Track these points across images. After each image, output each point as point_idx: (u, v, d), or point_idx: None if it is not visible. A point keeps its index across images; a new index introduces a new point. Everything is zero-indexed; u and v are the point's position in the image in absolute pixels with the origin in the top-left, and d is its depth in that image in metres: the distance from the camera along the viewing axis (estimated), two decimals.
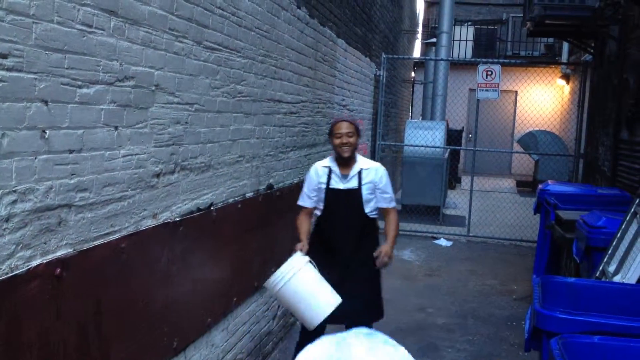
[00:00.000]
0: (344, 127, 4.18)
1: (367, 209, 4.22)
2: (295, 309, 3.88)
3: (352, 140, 4.18)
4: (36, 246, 2.15)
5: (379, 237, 4.36)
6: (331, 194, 4.22)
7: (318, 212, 4.30)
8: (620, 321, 2.86)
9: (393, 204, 4.37)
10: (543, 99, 17.45)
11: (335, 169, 4.24)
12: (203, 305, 3.61)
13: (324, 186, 4.22)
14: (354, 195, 4.19)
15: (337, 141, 4.17)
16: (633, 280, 3.71)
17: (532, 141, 14.94)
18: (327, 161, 4.33)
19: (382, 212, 4.34)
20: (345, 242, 4.19)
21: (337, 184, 4.22)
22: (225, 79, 3.76)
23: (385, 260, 4.16)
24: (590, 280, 3.89)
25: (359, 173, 4.22)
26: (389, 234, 4.31)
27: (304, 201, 4.33)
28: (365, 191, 4.20)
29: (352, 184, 4.20)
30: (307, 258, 3.92)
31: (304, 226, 4.29)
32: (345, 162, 4.22)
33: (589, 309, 3.17)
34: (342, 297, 3.90)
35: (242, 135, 4.10)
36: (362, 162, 4.31)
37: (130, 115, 2.72)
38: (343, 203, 4.20)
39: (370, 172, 4.26)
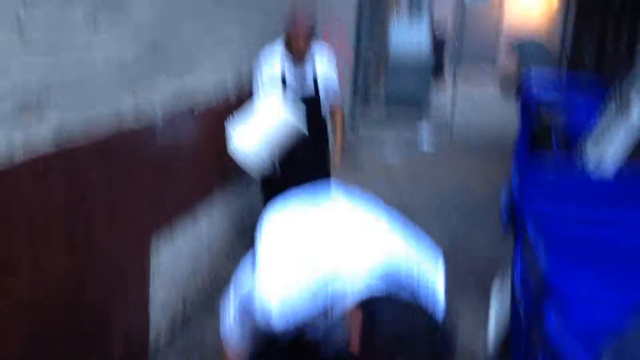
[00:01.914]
0: (301, 31, 3.90)
1: (323, 111, 4.11)
2: (276, 142, 3.75)
3: (307, 46, 3.92)
4: (18, 129, 2.13)
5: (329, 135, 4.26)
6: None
7: None
8: (596, 210, 2.93)
9: (339, 100, 4.24)
10: (531, 6, 17.21)
11: (289, 61, 3.99)
12: (187, 192, 3.66)
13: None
14: (314, 104, 4.03)
15: (294, 43, 3.90)
16: (609, 164, 3.78)
17: (518, 50, 14.84)
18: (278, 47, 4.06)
19: (329, 110, 4.20)
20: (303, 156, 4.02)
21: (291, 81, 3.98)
22: None
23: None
24: (568, 174, 3.90)
25: (314, 68, 4.01)
26: (338, 142, 4.25)
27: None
28: (322, 93, 4.06)
29: (309, 89, 4.00)
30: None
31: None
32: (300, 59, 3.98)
33: (567, 201, 3.22)
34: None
35: (226, 40, 4.02)
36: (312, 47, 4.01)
37: (110, 16, 2.63)
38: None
39: (321, 61, 4.05)
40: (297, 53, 3.92)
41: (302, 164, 4.02)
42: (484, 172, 8.12)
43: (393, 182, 7.37)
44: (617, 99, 3.98)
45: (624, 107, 3.81)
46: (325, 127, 4.22)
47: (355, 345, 1.44)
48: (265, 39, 4.67)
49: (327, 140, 4.25)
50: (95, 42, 2.55)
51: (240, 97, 4.38)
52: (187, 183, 3.64)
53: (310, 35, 3.97)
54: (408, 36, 10.99)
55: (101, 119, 2.63)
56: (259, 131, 3.68)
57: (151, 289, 3.26)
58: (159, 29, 3.13)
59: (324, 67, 4.08)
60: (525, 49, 14.72)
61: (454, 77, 10.59)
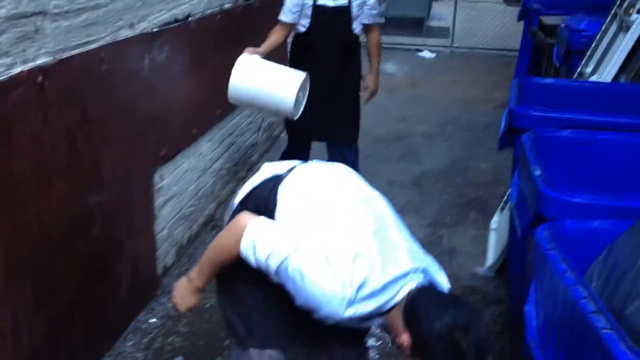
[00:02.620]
0: None
1: (355, 27, 4.02)
2: (268, 104, 3.60)
3: None
4: (15, 54, 2.14)
5: (360, 54, 4.23)
6: (318, 11, 3.91)
7: (301, 28, 4.02)
8: (591, 116, 2.97)
9: (378, 20, 4.17)
10: None
11: None
12: (188, 116, 3.68)
13: (310, 1, 3.91)
14: (344, 14, 3.95)
15: None
16: (608, 80, 3.79)
17: None
18: None
19: (365, 30, 4.15)
20: (330, 61, 4.00)
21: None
22: None
23: (372, 93, 4.22)
24: (566, 80, 3.97)
25: None
26: (373, 61, 4.23)
27: (286, 15, 3.97)
28: (354, 9, 3.95)
29: (342, 0, 3.92)
30: (255, 56, 3.65)
31: (272, 39, 3.95)
32: None
33: (563, 106, 3.28)
34: (325, 116, 3.94)
35: None
36: None
37: None
38: (330, 22, 3.96)
39: None
40: None
41: (329, 89, 3.99)
42: (485, 83, 8.07)
43: (393, 94, 7.36)
44: (618, 16, 3.94)
45: (624, 25, 3.78)
46: (356, 44, 4.14)
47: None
48: None
49: (357, 60, 4.17)
50: None
51: (240, 11, 4.33)
52: (189, 102, 3.66)
53: None
54: None
55: (98, 37, 2.64)
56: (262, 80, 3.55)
57: (155, 209, 3.35)
58: None
59: None
60: None
61: None
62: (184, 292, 1.99)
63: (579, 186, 2.55)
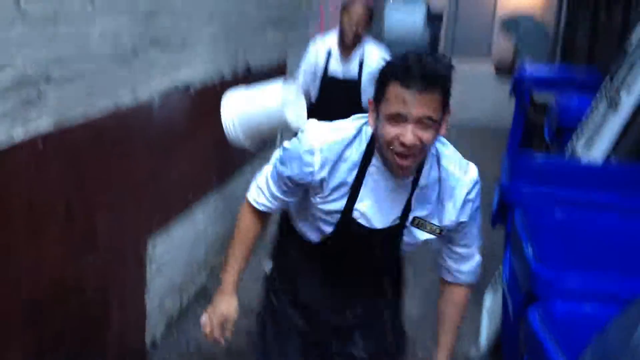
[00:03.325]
0: (358, 14, 3.65)
1: (363, 101, 3.84)
2: (262, 128, 3.38)
3: (361, 29, 3.68)
4: (16, 119, 2.17)
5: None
6: (328, 81, 3.82)
7: (312, 99, 3.90)
8: (584, 194, 3.00)
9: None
10: None
11: (336, 52, 3.85)
12: (183, 183, 3.70)
13: (320, 72, 3.84)
14: (353, 90, 3.78)
15: (347, 24, 3.71)
16: (599, 158, 3.85)
17: (513, 26, 14.79)
18: (331, 40, 3.85)
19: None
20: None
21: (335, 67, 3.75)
22: None
23: None
24: (557, 157, 4.03)
25: (362, 54, 3.78)
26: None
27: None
28: (366, 82, 3.76)
29: (352, 73, 3.73)
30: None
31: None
32: (349, 47, 3.81)
33: (554, 183, 3.32)
34: None
35: (220, 13, 4.04)
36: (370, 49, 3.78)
37: None
38: (340, 93, 3.80)
39: (372, 52, 3.78)
40: (349, 35, 3.72)
41: None
42: (478, 157, 8.14)
43: None
44: (607, 95, 4.04)
45: (613, 103, 3.87)
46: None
47: None
48: (266, 30, 4.69)
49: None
50: (90, 15, 2.58)
51: (240, 81, 4.40)
52: (185, 171, 3.68)
53: (368, 18, 3.73)
54: (403, 17, 10.99)
55: (99, 103, 2.68)
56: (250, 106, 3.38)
57: (148, 279, 3.32)
58: (155, 3, 3.15)
59: (376, 57, 3.82)
60: (520, 25, 14.67)
61: (450, 54, 10.57)
62: (217, 304, 2.01)
63: (570, 264, 2.55)
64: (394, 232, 1.82)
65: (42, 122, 2.30)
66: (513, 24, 14.86)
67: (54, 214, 2.41)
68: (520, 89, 6.57)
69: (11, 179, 2.16)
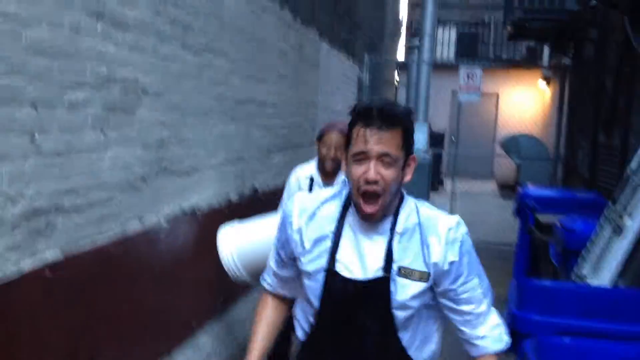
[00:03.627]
0: (334, 140, 3.64)
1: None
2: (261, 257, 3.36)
3: (340, 152, 3.58)
4: (26, 249, 2.18)
5: None
6: None
7: None
8: (592, 323, 2.95)
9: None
10: (525, 102, 17.63)
11: (318, 178, 3.82)
12: (188, 308, 3.65)
13: None
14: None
15: (324, 151, 3.72)
16: (607, 283, 3.81)
17: (514, 145, 15.10)
18: (311, 168, 3.86)
19: None
20: None
21: None
22: (210, 81, 3.80)
23: None
24: (565, 283, 3.99)
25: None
26: None
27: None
28: None
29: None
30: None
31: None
32: (329, 173, 3.79)
33: (564, 311, 3.27)
34: None
35: (227, 138, 4.15)
36: None
37: (117, 118, 2.76)
38: None
39: None
40: (327, 162, 3.72)
41: None
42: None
43: None
44: (611, 220, 4.05)
45: (618, 228, 3.88)
46: None
47: None
48: (271, 154, 4.79)
49: None
50: (102, 146, 2.64)
51: (243, 209, 4.45)
52: (189, 296, 3.65)
53: (344, 142, 3.67)
54: None
55: (107, 230, 2.69)
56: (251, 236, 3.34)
57: None
58: (165, 132, 3.23)
59: None
60: (520, 143, 14.96)
61: (452, 178, 10.73)
62: None
63: None
64: (382, 287, 1.75)
65: (50, 253, 2.30)
66: (512, 142, 15.18)
67: (59, 343, 2.37)
68: (524, 210, 6.60)
69: (17, 308, 2.14)
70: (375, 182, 1.69)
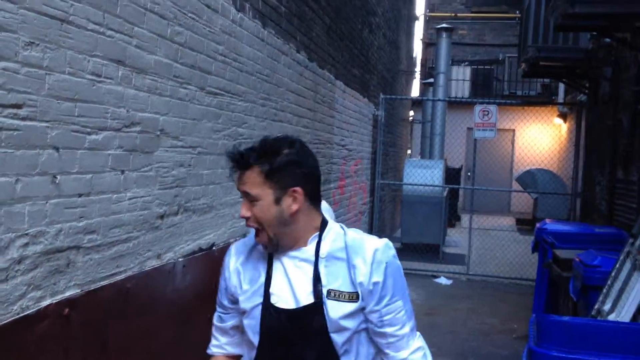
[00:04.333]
0: None
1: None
2: None
3: None
4: (46, 287, 2.23)
5: None
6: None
7: None
8: (612, 359, 2.92)
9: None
10: (541, 138, 17.62)
11: None
12: (205, 344, 3.65)
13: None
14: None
15: None
16: (627, 319, 3.77)
17: (530, 180, 15.06)
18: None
19: None
20: None
21: None
22: (227, 122, 3.88)
23: None
24: (584, 319, 3.95)
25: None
26: None
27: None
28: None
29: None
30: None
31: None
32: None
33: (584, 347, 3.23)
34: None
35: None
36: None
37: (136, 159, 2.83)
38: None
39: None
40: None
41: None
42: (502, 313, 8.02)
43: None
44: (631, 256, 4.03)
45: (638, 265, 3.86)
46: None
47: None
48: None
49: None
50: (122, 186, 2.70)
51: None
52: (205, 332, 3.65)
53: None
54: (421, 172, 11.26)
55: (126, 267, 2.73)
56: None
57: None
58: (182, 171, 3.29)
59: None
60: (537, 177, 14.92)
61: (470, 215, 10.71)
62: None
63: None
64: (315, 313, 1.78)
65: (69, 291, 2.35)
66: (529, 176, 15.14)
67: None
68: (543, 245, 6.57)
69: (36, 343, 2.17)
70: (247, 219, 1.79)
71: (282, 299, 1.82)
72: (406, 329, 1.84)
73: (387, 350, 1.85)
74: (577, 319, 3.85)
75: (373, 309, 1.80)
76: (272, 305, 1.82)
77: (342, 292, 1.79)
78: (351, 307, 1.79)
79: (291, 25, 5.20)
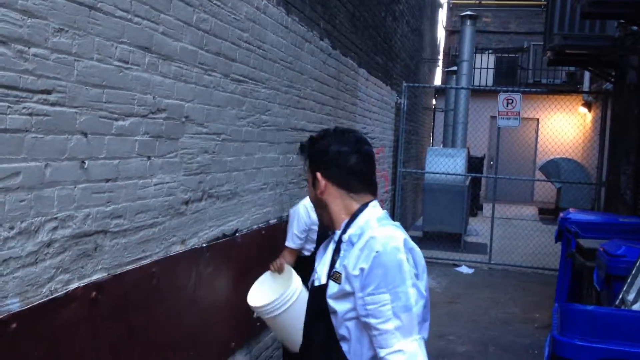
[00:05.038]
0: None
1: None
2: (286, 333, 3.58)
3: None
4: (74, 270, 2.27)
5: None
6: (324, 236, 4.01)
7: (306, 253, 4.09)
8: (635, 348, 2.90)
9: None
10: (565, 127, 17.42)
11: None
12: (227, 328, 3.71)
13: (315, 226, 4.01)
14: None
15: None
16: None
17: (554, 169, 14.92)
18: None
19: None
20: None
21: None
22: (251, 109, 3.90)
23: None
24: (608, 309, 3.93)
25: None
26: None
27: (293, 241, 4.05)
28: None
29: None
30: (300, 284, 3.61)
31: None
32: None
33: (607, 336, 3.22)
34: None
35: (267, 164, 4.22)
36: None
37: (162, 145, 2.86)
38: None
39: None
40: None
41: None
42: (524, 302, 7.99)
43: (431, 309, 7.29)
44: None
45: None
46: None
47: None
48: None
49: None
50: (148, 172, 2.74)
51: (282, 233, 4.50)
52: (229, 317, 3.70)
53: None
54: (444, 160, 11.21)
55: (151, 251, 2.77)
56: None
57: None
58: (207, 158, 3.33)
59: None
60: (560, 166, 14.77)
61: (493, 203, 10.66)
62: None
63: None
64: (322, 293, 1.86)
65: (97, 274, 2.39)
66: (553, 165, 15.00)
67: (100, 359, 2.44)
68: (566, 235, 6.52)
69: (63, 327, 2.21)
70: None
71: (317, 278, 1.95)
72: (389, 325, 1.74)
73: (375, 345, 1.79)
74: (601, 309, 3.83)
75: (357, 296, 1.79)
76: (312, 283, 1.99)
77: (338, 273, 1.84)
78: (335, 287, 1.83)
79: (315, 12, 5.20)
